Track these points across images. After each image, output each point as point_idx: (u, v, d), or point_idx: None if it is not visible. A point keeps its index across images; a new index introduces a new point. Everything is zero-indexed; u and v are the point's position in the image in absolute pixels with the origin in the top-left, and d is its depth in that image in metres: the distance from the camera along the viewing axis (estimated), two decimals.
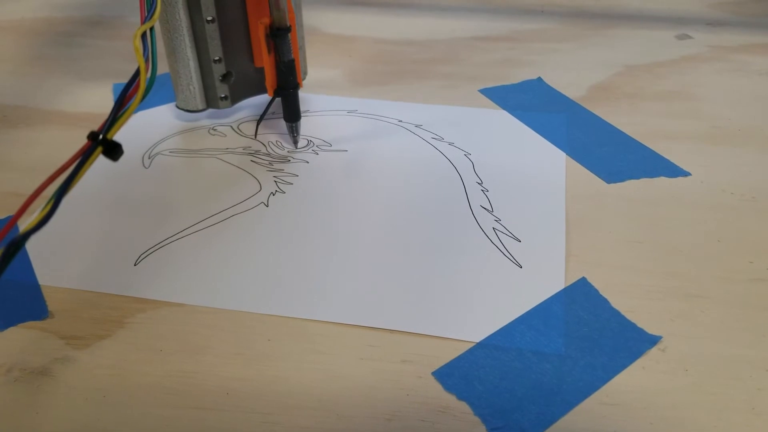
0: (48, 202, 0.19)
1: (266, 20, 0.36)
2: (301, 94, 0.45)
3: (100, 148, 0.20)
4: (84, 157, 0.19)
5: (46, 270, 0.31)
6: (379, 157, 0.38)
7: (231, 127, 0.41)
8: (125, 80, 0.47)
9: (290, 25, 0.36)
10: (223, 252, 0.32)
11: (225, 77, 0.39)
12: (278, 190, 0.36)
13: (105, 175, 0.37)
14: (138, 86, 0.21)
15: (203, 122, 0.42)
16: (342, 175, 0.37)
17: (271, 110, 0.41)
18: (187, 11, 0.36)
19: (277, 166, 0.38)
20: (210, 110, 0.41)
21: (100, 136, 0.20)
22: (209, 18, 0.37)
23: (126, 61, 0.50)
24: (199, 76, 0.39)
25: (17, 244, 0.18)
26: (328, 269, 0.31)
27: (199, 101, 0.40)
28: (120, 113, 0.21)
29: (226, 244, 0.32)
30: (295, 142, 0.39)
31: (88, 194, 0.35)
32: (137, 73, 0.21)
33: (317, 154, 0.39)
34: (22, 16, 0.57)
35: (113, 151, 0.20)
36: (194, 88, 0.39)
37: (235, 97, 0.41)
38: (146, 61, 0.23)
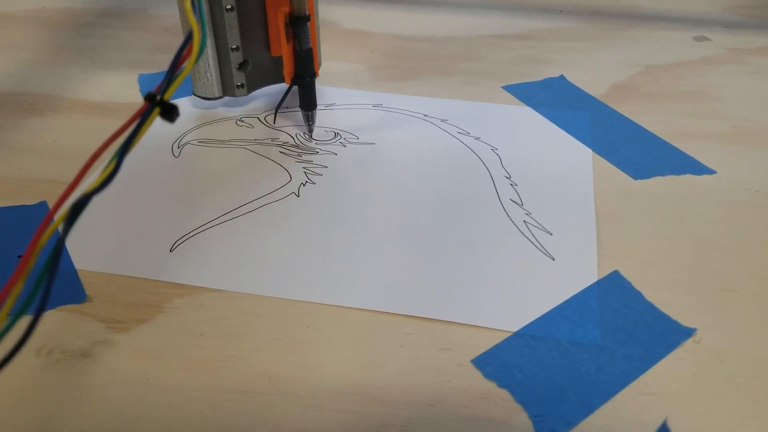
0: (110, 161, 0.19)
1: (286, 9, 0.37)
2: (327, 88, 0.45)
3: (157, 109, 0.20)
4: (143, 118, 0.20)
5: (81, 255, 0.31)
6: (406, 149, 0.39)
7: (258, 118, 0.42)
8: (149, 71, 0.47)
9: (309, 14, 0.37)
10: (259, 240, 0.32)
11: (242, 65, 0.40)
12: (308, 180, 0.36)
13: (136, 162, 0.37)
14: (191, 49, 0.21)
15: (231, 113, 0.42)
16: (370, 166, 0.37)
17: (296, 104, 0.41)
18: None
19: (305, 157, 0.38)
20: (226, 98, 0.41)
21: (158, 98, 0.20)
22: (228, 6, 0.37)
23: (149, 53, 0.50)
24: (216, 64, 0.39)
25: (81, 204, 0.18)
26: (363, 258, 0.31)
27: (216, 89, 0.40)
28: (174, 75, 0.21)
29: (261, 232, 0.32)
30: (311, 131, 0.40)
31: (120, 181, 0.35)
32: (189, 37, 0.22)
33: (345, 146, 0.39)
34: (42, 6, 0.57)
35: (170, 112, 0.20)
36: (212, 75, 0.39)
37: (251, 85, 0.41)
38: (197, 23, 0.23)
